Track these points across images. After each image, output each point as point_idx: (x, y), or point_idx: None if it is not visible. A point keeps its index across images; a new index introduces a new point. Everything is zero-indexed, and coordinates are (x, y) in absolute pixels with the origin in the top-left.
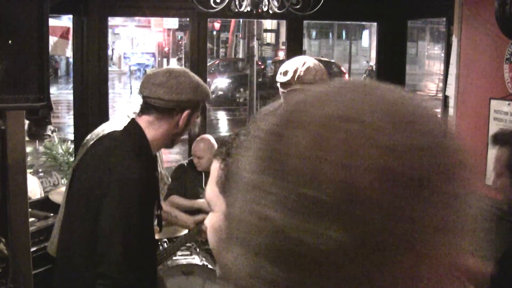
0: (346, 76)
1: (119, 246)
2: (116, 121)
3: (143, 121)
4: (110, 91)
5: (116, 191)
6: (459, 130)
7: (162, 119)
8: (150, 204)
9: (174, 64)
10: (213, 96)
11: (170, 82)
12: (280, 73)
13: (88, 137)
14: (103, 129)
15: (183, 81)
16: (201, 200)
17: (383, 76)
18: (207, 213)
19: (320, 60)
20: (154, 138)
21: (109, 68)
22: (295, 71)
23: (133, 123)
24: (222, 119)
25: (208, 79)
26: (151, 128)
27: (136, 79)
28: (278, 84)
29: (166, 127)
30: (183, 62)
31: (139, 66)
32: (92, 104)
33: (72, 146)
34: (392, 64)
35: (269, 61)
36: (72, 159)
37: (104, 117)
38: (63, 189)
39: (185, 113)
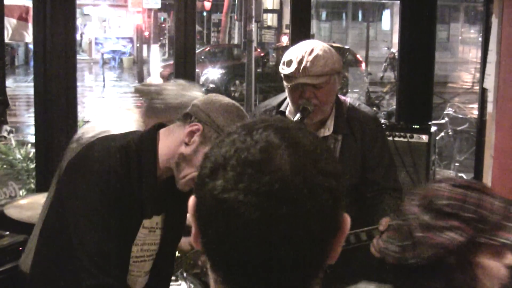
0: (363, 65)
1: (87, 245)
2: (117, 116)
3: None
4: (78, 84)
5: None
6: (500, 129)
7: (177, 125)
8: (126, 210)
9: (155, 50)
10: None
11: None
12: (284, 63)
13: (84, 131)
14: (102, 122)
15: (218, 99)
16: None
17: (407, 66)
18: None
19: (331, 46)
20: (160, 152)
21: (78, 57)
22: (300, 61)
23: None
24: None
25: (197, 70)
26: (163, 136)
27: (110, 69)
28: (282, 76)
29: (175, 136)
30: (166, 49)
31: (114, 54)
32: (57, 99)
33: (33, 150)
34: (418, 51)
35: (270, 48)
36: (32, 165)
37: (72, 116)
38: (22, 202)
39: (196, 126)
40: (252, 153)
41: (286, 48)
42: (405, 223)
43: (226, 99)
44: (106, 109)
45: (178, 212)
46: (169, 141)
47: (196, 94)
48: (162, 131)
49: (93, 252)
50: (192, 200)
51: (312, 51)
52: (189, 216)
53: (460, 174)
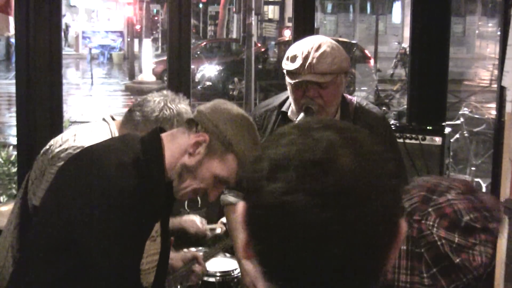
0: (371, 61)
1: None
2: (91, 128)
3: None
4: (64, 81)
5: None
6: None
7: (181, 131)
8: (139, 232)
9: (148, 45)
10: (199, 87)
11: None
12: (288, 58)
13: (53, 142)
14: (73, 133)
15: (228, 108)
16: (182, 218)
17: (419, 62)
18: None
19: (337, 41)
20: (166, 161)
21: (63, 52)
22: (306, 57)
23: (153, 135)
24: None
25: (192, 66)
26: (167, 143)
27: (99, 65)
28: (285, 72)
29: (179, 143)
30: (159, 43)
31: (103, 48)
32: (40, 98)
33: (14, 153)
34: (432, 46)
35: (271, 43)
36: (14, 169)
37: (57, 116)
38: (2, 209)
39: (203, 137)
40: (316, 153)
41: (288, 43)
42: (430, 249)
43: (235, 108)
44: (94, 108)
45: (167, 216)
46: (173, 149)
47: (181, 108)
48: (164, 137)
49: (113, 275)
50: (241, 206)
51: (319, 47)
52: (184, 218)
53: (476, 179)
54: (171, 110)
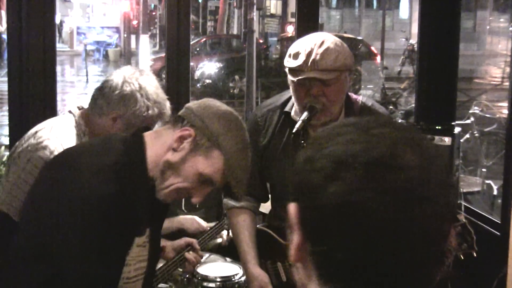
0: (378, 58)
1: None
2: (53, 122)
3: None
4: (59, 78)
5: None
6: None
7: (166, 128)
8: (121, 239)
9: (145, 41)
10: (198, 85)
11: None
12: (290, 55)
13: (18, 143)
14: (35, 130)
15: (217, 108)
16: (181, 217)
17: (427, 59)
18: (189, 235)
19: (342, 38)
20: (149, 160)
21: (58, 48)
22: (309, 54)
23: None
24: None
25: (191, 63)
26: (150, 141)
27: (95, 62)
28: (287, 70)
29: (163, 141)
30: (157, 40)
31: (98, 45)
32: (34, 97)
33: (7, 153)
34: (441, 42)
35: (273, 39)
36: None
37: (50, 114)
38: None
39: (188, 132)
40: (382, 151)
41: (291, 39)
42: None
43: (224, 106)
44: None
45: (159, 221)
46: (157, 147)
47: (143, 81)
48: (148, 135)
49: (85, 283)
50: (295, 207)
51: (322, 43)
52: (179, 218)
53: (487, 181)
54: (132, 84)
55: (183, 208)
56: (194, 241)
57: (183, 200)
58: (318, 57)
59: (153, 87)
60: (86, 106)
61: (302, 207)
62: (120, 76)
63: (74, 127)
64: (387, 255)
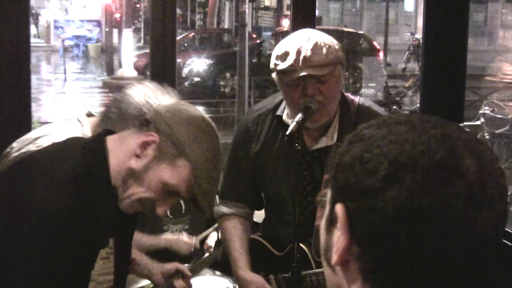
0: (381, 54)
1: None
2: (58, 129)
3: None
4: (34, 76)
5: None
6: None
7: (132, 132)
8: (83, 253)
9: (128, 36)
10: (186, 84)
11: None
12: (277, 57)
13: (15, 145)
14: (37, 135)
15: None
16: (168, 237)
17: (433, 55)
18: (179, 258)
19: (341, 32)
20: (112, 168)
21: (32, 43)
22: (299, 51)
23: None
24: None
25: (178, 60)
26: (113, 146)
27: (73, 59)
28: (274, 75)
29: (127, 146)
30: (142, 34)
31: (77, 40)
32: (6, 96)
33: None
34: (448, 37)
35: (268, 33)
36: None
37: (25, 115)
38: None
39: (152, 137)
40: (443, 154)
41: (287, 33)
42: None
43: (197, 112)
44: (67, 107)
45: (127, 231)
46: (120, 153)
47: (164, 102)
48: (111, 140)
49: None
50: (342, 208)
51: (309, 39)
52: (167, 237)
53: None
54: (151, 105)
55: (168, 214)
56: (184, 268)
57: None
58: (309, 53)
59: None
60: (94, 113)
61: (353, 209)
62: (140, 92)
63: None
64: (444, 262)
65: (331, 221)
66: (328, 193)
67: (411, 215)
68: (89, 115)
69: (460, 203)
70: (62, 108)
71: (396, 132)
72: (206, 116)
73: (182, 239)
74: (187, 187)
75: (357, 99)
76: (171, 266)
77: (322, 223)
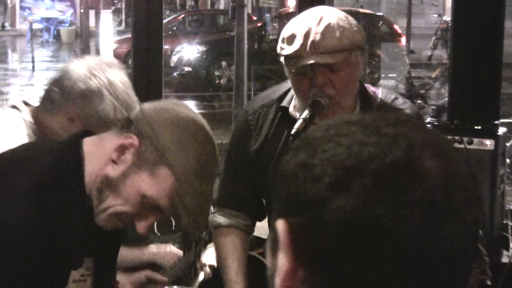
0: (403, 40)
1: None
2: None
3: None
4: None
5: None
6: None
7: (112, 133)
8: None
9: (107, 18)
10: (175, 74)
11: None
12: (283, 40)
13: None
14: None
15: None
16: (153, 248)
17: (464, 40)
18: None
19: (356, 14)
20: (88, 174)
21: None
22: (307, 35)
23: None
24: None
25: (166, 46)
26: (90, 150)
27: (43, 45)
28: (282, 59)
29: (105, 149)
30: (123, 16)
31: (47, 23)
32: None
33: None
34: (481, 19)
35: (270, 15)
36: None
37: None
38: None
39: (131, 140)
40: (397, 155)
41: (292, 15)
42: None
43: (188, 112)
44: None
45: (109, 249)
46: (97, 158)
47: (113, 75)
48: (88, 142)
49: None
50: (284, 225)
51: (321, 19)
52: (151, 249)
53: None
54: (99, 78)
55: (155, 230)
56: (156, 275)
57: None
58: (318, 36)
59: (123, 84)
60: (32, 101)
61: (296, 225)
62: (83, 66)
63: (19, 126)
64: (402, 283)
65: (275, 241)
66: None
67: (361, 228)
68: (27, 104)
69: (418, 213)
70: (30, 101)
71: (345, 133)
72: (200, 118)
73: (170, 251)
74: (170, 202)
75: (379, 91)
76: (141, 274)
77: (268, 244)
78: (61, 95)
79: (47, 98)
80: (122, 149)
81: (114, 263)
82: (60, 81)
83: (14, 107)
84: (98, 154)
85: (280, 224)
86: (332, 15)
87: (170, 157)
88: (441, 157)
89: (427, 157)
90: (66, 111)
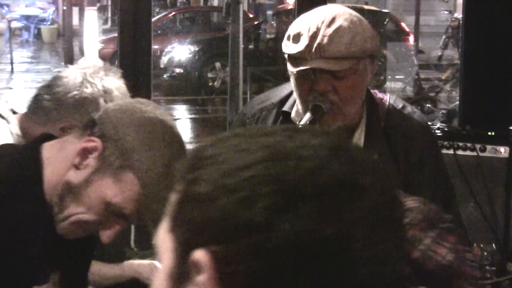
0: (411, 39)
1: None
2: None
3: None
4: None
5: None
6: None
7: (75, 136)
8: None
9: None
10: (165, 76)
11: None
12: (289, 38)
13: None
14: None
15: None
16: (136, 263)
17: (476, 39)
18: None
19: (361, 10)
20: (48, 181)
21: None
22: (314, 36)
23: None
24: (182, 119)
25: (155, 46)
26: (51, 155)
27: (22, 45)
28: (286, 57)
29: (67, 154)
30: (109, 14)
31: (27, 22)
32: None
33: None
34: (494, 16)
35: (268, 12)
36: None
37: None
38: None
39: (93, 143)
40: (338, 169)
41: (291, 12)
42: None
43: (155, 112)
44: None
45: (79, 262)
46: (58, 163)
47: (109, 83)
48: (48, 147)
49: None
50: (207, 256)
51: (332, 20)
52: (133, 264)
53: None
54: (94, 85)
55: (132, 245)
56: None
57: (132, 233)
58: (326, 40)
59: (120, 92)
60: (17, 108)
61: (226, 254)
62: (77, 73)
63: (7, 138)
64: None
65: (182, 276)
66: (166, 237)
67: (312, 251)
68: (14, 112)
69: (365, 231)
70: (8, 106)
71: (267, 145)
72: (169, 119)
73: (154, 265)
74: (136, 209)
75: (387, 97)
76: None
77: (158, 281)
78: (53, 103)
79: (37, 106)
80: (84, 153)
81: (84, 277)
82: (52, 88)
83: (1, 117)
84: (59, 159)
85: (201, 255)
86: (345, 17)
87: (135, 161)
88: (373, 171)
89: (365, 172)
90: (59, 121)
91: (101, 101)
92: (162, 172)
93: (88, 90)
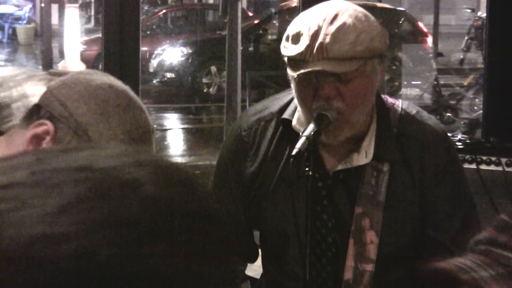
0: (429, 40)
1: None
2: None
3: None
4: None
5: None
6: None
7: (20, 127)
8: None
9: (73, 14)
10: (155, 81)
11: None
12: (288, 38)
13: None
14: None
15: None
16: None
17: (502, 41)
18: None
19: (373, 9)
20: None
21: None
22: (315, 35)
23: None
24: (174, 128)
25: (144, 48)
26: (2, 150)
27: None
28: (285, 60)
29: (15, 148)
30: (92, 12)
31: (1, 20)
32: None
33: None
34: None
35: (270, 11)
36: None
37: None
38: None
39: (44, 127)
40: (186, 197)
41: (295, 10)
42: None
43: (103, 79)
44: None
45: None
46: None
47: (28, 87)
48: None
49: None
50: None
51: (335, 17)
52: None
53: None
54: (10, 90)
55: None
56: None
57: None
58: (328, 39)
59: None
60: None
61: None
62: (15, 75)
63: None
64: None
65: None
66: None
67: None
68: None
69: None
70: None
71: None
72: (120, 83)
73: None
74: None
75: (399, 103)
76: None
77: None
78: None
79: None
80: (36, 140)
81: None
82: None
83: None
84: (9, 153)
85: None
86: (350, 14)
87: (93, 134)
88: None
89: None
90: None
91: (14, 107)
92: (124, 139)
93: (3, 94)
